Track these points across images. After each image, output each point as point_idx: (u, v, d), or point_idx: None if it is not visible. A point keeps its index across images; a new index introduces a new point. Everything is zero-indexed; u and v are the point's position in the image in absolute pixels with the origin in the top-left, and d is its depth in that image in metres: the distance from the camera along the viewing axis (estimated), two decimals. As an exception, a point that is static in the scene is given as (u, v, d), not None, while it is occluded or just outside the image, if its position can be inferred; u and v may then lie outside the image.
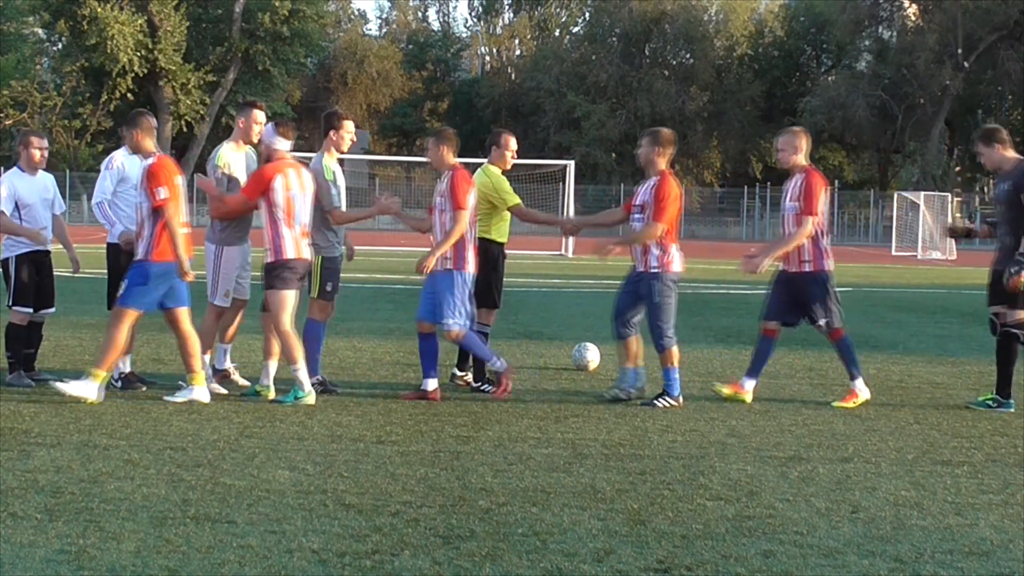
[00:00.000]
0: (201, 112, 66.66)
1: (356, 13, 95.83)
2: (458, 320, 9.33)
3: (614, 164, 73.38)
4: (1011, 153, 9.73)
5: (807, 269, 9.63)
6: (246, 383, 9.79)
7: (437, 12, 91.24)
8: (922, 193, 48.37)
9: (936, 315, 18.77)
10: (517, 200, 10.16)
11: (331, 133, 9.78)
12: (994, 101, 73.58)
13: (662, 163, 9.59)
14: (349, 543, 5.47)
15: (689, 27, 74.20)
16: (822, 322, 9.63)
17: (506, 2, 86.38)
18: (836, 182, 72.39)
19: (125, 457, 7.08)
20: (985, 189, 79.18)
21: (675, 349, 9.44)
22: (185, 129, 66.07)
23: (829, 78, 76.89)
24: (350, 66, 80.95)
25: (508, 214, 10.20)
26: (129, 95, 63.60)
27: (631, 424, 8.65)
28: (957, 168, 73.92)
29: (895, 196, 52.04)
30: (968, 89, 69.78)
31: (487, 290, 10.03)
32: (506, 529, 5.78)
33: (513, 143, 10.26)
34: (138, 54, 62.31)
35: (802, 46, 78.86)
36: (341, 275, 9.90)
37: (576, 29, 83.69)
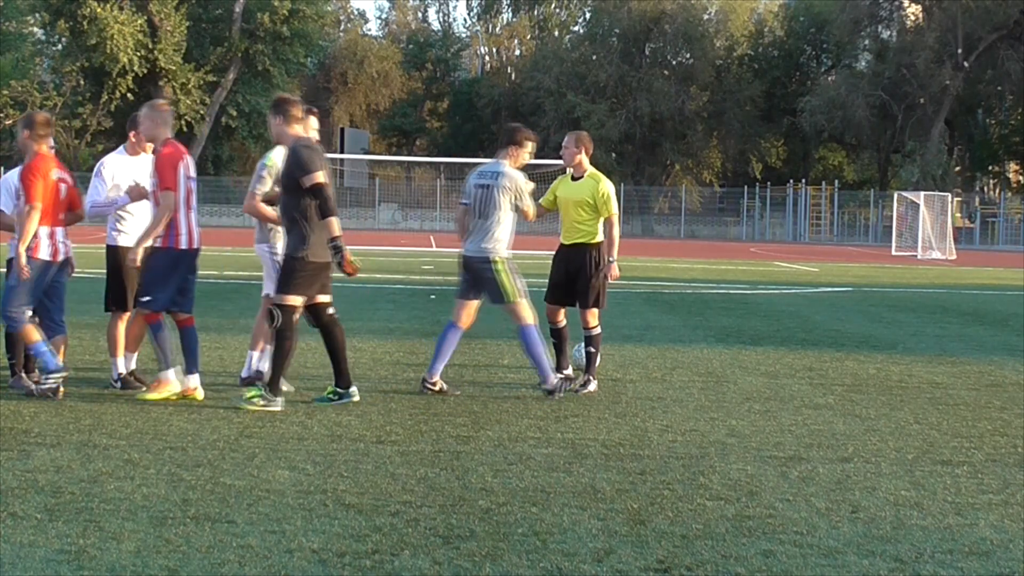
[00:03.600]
0: (201, 112, 66.72)
1: (356, 13, 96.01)
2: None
3: (614, 164, 73.38)
4: (295, 129, 9.11)
5: (157, 244, 9.16)
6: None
7: (437, 12, 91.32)
8: (922, 193, 48.39)
9: (936, 315, 18.76)
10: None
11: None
12: (994, 101, 73.64)
13: (35, 146, 9.22)
14: (349, 543, 5.47)
15: (689, 27, 74.24)
16: (143, 299, 9.12)
17: (505, 2, 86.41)
18: (836, 182, 72.51)
19: (125, 457, 7.08)
20: (985, 189, 79.26)
21: (28, 327, 9.07)
22: (185, 129, 66.11)
23: (829, 78, 76.95)
24: (350, 66, 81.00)
25: (565, 214, 10.38)
26: (129, 95, 63.69)
27: (631, 424, 8.65)
28: (957, 168, 73.94)
29: (895, 196, 52.06)
30: (968, 89, 69.82)
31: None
32: (506, 529, 5.78)
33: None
34: (138, 54, 62.39)
35: (802, 46, 78.90)
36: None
37: (576, 29, 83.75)
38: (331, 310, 9.18)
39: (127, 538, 5.45)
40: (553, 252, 10.59)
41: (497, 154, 10.08)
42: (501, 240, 9.75)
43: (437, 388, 9.73)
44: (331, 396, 9.17)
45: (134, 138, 9.79)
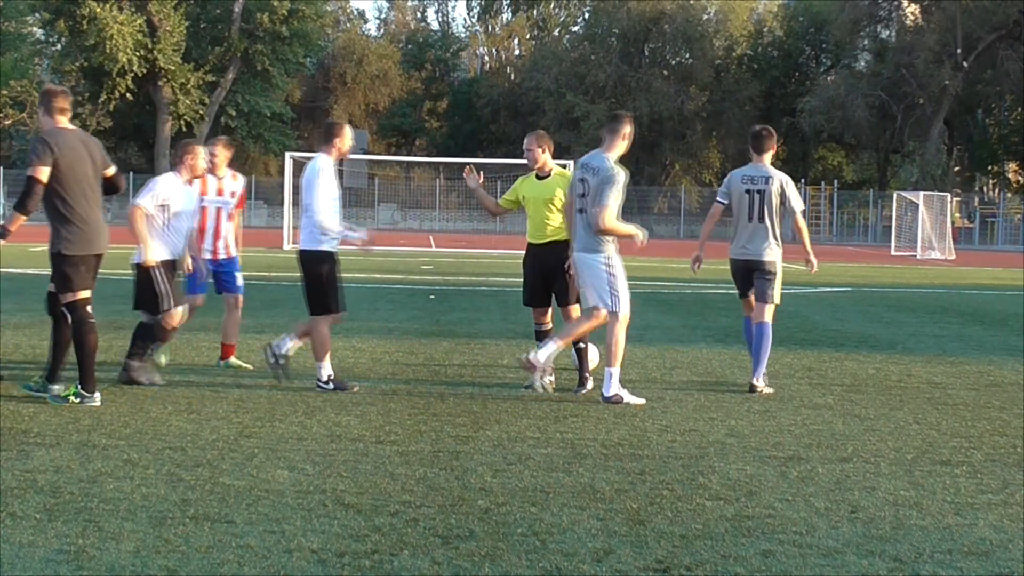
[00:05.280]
0: (200, 112, 66.69)
1: (355, 13, 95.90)
2: None
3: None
4: (59, 120, 8.80)
5: None
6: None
7: (436, 12, 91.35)
8: (921, 193, 48.39)
9: (935, 315, 18.77)
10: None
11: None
12: (993, 101, 73.63)
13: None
14: (348, 543, 5.47)
15: (688, 27, 74.23)
16: None
17: (504, 2, 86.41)
18: (836, 182, 72.51)
19: (124, 457, 7.08)
20: (984, 189, 79.26)
21: None
22: (184, 129, 66.10)
23: (828, 78, 76.91)
24: (349, 66, 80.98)
25: (534, 213, 10.34)
26: (128, 95, 63.74)
27: (630, 424, 8.65)
28: (956, 168, 73.93)
29: (894, 196, 52.07)
30: (967, 89, 69.80)
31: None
32: (505, 529, 5.78)
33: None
34: (137, 54, 62.37)
35: (801, 46, 78.88)
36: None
37: (575, 29, 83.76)
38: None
39: (126, 538, 5.45)
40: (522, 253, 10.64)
41: (753, 158, 10.45)
42: (779, 241, 10.32)
43: (765, 389, 10.17)
44: (36, 384, 9.08)
45: (336, 148, 9.81)
